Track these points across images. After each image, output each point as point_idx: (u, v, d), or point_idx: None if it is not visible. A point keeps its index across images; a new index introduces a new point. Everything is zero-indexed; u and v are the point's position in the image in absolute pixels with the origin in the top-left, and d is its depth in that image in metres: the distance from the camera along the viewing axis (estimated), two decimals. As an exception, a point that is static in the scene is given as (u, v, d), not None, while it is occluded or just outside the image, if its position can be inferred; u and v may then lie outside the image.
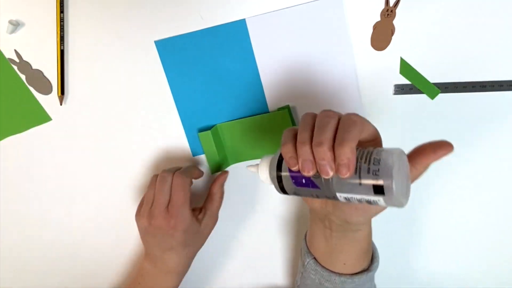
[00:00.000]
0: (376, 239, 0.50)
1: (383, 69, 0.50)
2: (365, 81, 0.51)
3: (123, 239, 0.57)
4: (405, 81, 0.51)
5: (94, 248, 0.58)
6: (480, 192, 0.55)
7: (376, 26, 0.49)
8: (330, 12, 0.48)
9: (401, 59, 0.50)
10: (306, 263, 0.48)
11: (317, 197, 0.35)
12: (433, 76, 0.50)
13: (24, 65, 0.49)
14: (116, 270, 0.59)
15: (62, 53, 0.49)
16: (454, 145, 0.53)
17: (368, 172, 0.31)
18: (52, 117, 0.52)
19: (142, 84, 0.51)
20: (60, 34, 0.48)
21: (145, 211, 0.48)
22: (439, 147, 0.34)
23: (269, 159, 0.38)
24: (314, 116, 0.35)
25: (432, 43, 0.49)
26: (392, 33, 0.49)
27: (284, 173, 0.36)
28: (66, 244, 0.57)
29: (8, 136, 0.52)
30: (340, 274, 0.45)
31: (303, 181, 0.34)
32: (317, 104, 0.51)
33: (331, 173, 0.31)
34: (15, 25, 0.47)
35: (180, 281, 0.52)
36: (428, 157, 0.35)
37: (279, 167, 0.36)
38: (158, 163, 0.54)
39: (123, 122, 0.52)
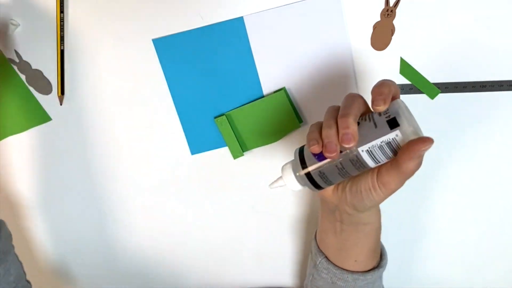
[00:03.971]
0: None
1: (383, 69, 0.50)
2: (365, 81, 0.51)
3: (123, 236, 0.57)
4: (405, 81, 0.51)
5: (94, 247, 0.58)
6: (480, 192, 0.55)
7: (376, 26, 0.49)
8: (328, 10, 0.48)
9: (401, 59, 0.50)
10: (318, 263, 0.48)
11: (343, 169, 0.37)
12: (433, 76, 0.50)
13: (24, 65, 0.49)
14: (117, 268, 0.59)
15: (62, 53, 0.49)
16: (454, 145, 0.53)
17: (380, 115, 0.35)
18: (52, 117, 0.52)
19: (141, 83, 0.51)
20: (60, 34, 0.48)
21: None
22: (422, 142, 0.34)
23: (289, 164, 0.41)
24: (338, 107, 0.39)
25: (432, 43, 0.49)
26: (392, 33, 0.49)
27: (312, 166, 0.38)
28: (66, 243, 0.57)
29: (8, 136, 0.52)
30: (352, 272, 0.46)
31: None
32: (315, 100, 0.51)
33: (352, 143, 0.34)
34: (16, 25, 0.47)
35: None
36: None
37: (303, 165, 0.39)
38: (157, 162, 0.54)
39: (122, 121, 0.52)
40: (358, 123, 0.36)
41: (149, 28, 0.48)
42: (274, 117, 0.52)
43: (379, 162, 0.36)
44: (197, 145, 0.54)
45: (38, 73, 0.50)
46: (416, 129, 0.35)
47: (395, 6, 0.48)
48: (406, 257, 0.59)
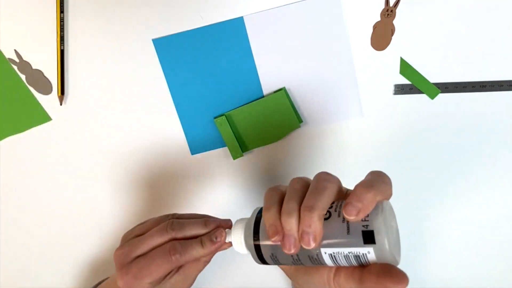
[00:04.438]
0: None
1: (383, 69, 0.50)
2: (365, 81, 0.51)
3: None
4: (405, 81, 0.51)
5: (94, 247, 0.58)
6: (480, 192, 0.55)
7: (376, 26, 0.49)
8: (328, 10, 0.48)
9: (401, 59, 0.50)
10: None
11: (298, 261, 0.33)
12: (433, 76, 0.50)
13: (24, 65, 0.49)
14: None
15: (62, 53, 0.49)
16: (454, 145, 0.53)
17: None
18: (52, 117, 0.52)
19: (141, 83, 0.51)
20: (60, 34, 0.48)
21: (125, 238, 0.41)
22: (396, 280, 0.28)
23: (243, 225, 0.36)
24: (305, 182, 0.33)
25: (432, 43, 0.49)
26: (392, 33, 0.49)
27: (264, 242, 0.33)
28: (66, 243, 0.57)
29: (8, 136, 0.52)
30: None
31: None
32: (315, 100, 0.51)
33: (312, 245, 0.29)
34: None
35: None
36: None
37: (256, 234, 0.34)
38: (157, 162, 0.54)
39: (122, 121, 0.52)
40: (328, 216, 0.31)
41: (149, 28, 0.48)
42: (274, 117, 0.52)
43: (340, 265, 0.32)
44: (197, 145, 0.54)
45: (38, 73, 0.50)
46: (393, 247, 0.29)
47: (395, 6, 0.48)
48: (408, 257, 0.59)
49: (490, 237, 0.57)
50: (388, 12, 0.48)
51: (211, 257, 0.40)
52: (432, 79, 0.50)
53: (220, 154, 0.54)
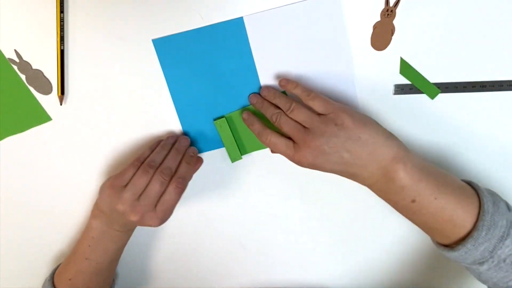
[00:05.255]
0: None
1: (383, 69, 0.50)
2: (365, 81, 0.51)
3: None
4: (405, 81, 0.51)
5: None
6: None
7: (376, 26, 0.49)
8: (328, 10, 0.48)
9: (401, 59, 0.50)
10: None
11: None
12: (433, 76, 0.50)
13: (24, 65, 0.49)
14: (117, 269, 0.59)
15: (62, 53, 0.49)
16: (454, 145, 0.53)
17: None
18: (52, 117, 0.52)
19: (141, 83, 0.51)
20: (60, 34, 0.48)
21: (129, 199, 0.45)
22: None
23: None
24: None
25: (432, 43, 0.49)
26: (392, 33, 0.49)
27: None
28: (66, 243, 0.57)
29: (8, 136, 0.52)
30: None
31: None
32: (317, 104, 0.51)
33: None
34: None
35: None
36: None
37: None
38: (158, 163, 0.54)
39: (122, 121, 0.52)
40: None
41: (149, 28, 0.48)
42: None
43: None
44: (196, 145, 0.54)
45: (38, 73, 0.50)
46: None
47: (395, 6, 0.48)
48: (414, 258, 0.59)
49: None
50: (388, 12, 0.48)
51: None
52: (432, 79, 0.50)
53: (219, 155, 0.54)
